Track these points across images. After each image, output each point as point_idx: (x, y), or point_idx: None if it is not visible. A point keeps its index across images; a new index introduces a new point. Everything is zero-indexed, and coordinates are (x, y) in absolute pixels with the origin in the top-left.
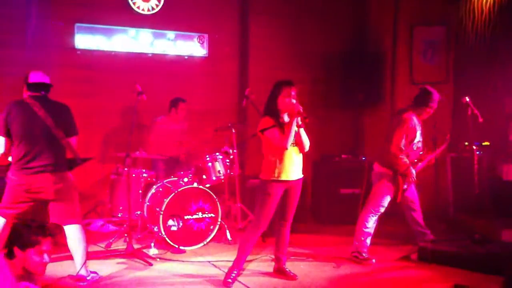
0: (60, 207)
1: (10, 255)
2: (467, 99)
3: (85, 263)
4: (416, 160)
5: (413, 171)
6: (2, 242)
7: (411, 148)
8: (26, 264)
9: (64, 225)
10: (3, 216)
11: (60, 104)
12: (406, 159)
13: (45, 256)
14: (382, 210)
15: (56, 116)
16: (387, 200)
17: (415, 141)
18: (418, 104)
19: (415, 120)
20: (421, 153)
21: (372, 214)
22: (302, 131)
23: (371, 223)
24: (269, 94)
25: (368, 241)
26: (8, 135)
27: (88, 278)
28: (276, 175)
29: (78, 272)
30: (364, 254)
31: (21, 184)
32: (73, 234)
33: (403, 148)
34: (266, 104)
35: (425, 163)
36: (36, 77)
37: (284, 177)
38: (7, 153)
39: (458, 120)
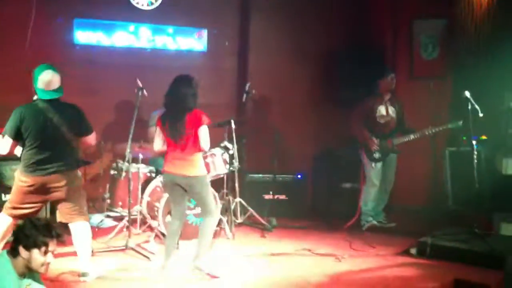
0: (70, 205)
1: (14, 253)
2: (468, 93)
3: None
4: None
5: (371, 139)
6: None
7: (375, 121)
8: (30, 263)
9: (73, 222)
10: (10, 216)
11: (71, 105)
12: (362, 127)
13: (49, 256)
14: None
15: (69, 119)
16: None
17: (377, 114)
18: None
19: (371, 100)
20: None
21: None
22: None
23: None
24: (190, 87)
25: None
26: (16, 137)
27: (91, 274)
28: None
29: (83, 268)
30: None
31: (33, 185)
32: (81, 231)
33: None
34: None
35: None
36: (46, 83)
37: None
38: (6, 154)
39: (457, 114)
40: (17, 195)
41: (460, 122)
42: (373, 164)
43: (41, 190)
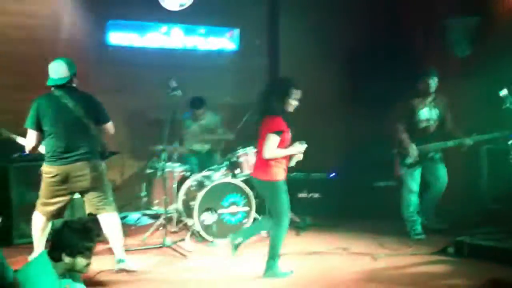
0: (96, 195)
1: (55, 258)
2: (505, 91)
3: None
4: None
5: (411, 146)
6: (44, 240)
7: (415, 125)
8: (74, 267)
9: (102, 214)
10: (42, 214)
11: (86, 93)
12: (403, 135)
13: (92, 257)
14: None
15: (85, 106)
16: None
17: (418, 119)
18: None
19: (416, 100)
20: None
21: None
22: None
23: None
24: (276, 91)
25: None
26: (37, 128)
27: (127, 261)
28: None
29: (118, 256)
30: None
31: (58, 175)
32: (112, 222)
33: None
34: (275, 102)
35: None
36: (56, 72)
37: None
38: (36, 146)
39: (493, 112)
40: (45, 189)
41: (508, 133)
42: (403, 170)
43: (66, 180)
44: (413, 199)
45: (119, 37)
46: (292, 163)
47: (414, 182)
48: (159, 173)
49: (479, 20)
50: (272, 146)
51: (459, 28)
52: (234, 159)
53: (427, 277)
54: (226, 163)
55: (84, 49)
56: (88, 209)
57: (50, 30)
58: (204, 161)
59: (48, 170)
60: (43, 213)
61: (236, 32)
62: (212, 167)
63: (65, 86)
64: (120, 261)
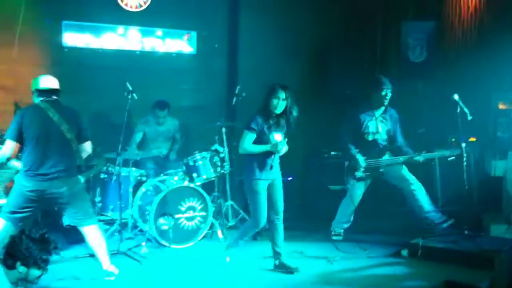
0: (74, 210)
1: (9, 266)
2: (456, 96)
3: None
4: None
5: (359, 158)
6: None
7: (363, 138)
8: (27, 277)
9: (82, 226)
10: (8, 220)
11: (71, 109)
12: (351, 147)
13: (46, 268)
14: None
15: (69, 121)
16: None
17: (366, 131)
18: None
19: (367, 110)
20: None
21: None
22: None
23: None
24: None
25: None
26: (18, 140)
27: (114, 272)
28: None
29: (106, 267)
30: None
31: (34, 190)
32: (94, 233)
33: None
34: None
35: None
36: (46, 82)
37: None
38: (11, 158)
39: (445, 116)
40: (17, 198)
41: (458, 151)
42: (352, 182)
43: (42, 196)
44: (350, 210)
45: (75, 39)
46: (274, 162)
47: (357, 194)
48: (114, 178)
49: (434, 24)
50: (242, 141)
51: (414, 32)
52: (191, 163)
53: (383, 280)
54: (183, 167)
55: (38, 50)
56: (67, 221)
57: (3, 30)
58: (161, 166)
59: (24, 184)
60: (9, 219)
61: (193, 34)
62: (169, 172)
63: (51, 99)
64: (108, 274)
